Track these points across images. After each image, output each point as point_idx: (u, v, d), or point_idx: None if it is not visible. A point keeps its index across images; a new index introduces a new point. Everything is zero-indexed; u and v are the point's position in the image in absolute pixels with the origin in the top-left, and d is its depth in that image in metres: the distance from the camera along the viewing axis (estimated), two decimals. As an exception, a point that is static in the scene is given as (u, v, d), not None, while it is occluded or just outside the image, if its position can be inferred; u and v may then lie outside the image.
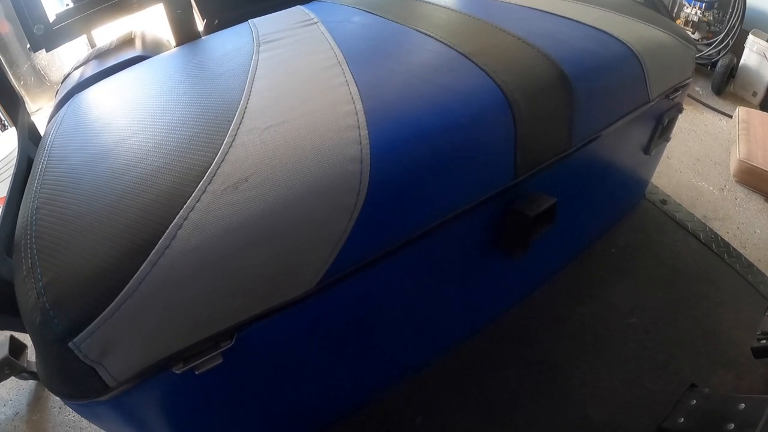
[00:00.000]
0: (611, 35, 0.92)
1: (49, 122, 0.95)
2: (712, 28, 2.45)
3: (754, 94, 2.46)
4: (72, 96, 0.95)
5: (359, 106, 0.67)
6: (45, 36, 0.94)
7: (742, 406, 0.77)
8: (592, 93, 0.86)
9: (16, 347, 1.37)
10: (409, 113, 0.69)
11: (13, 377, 1.34)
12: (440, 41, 0.81)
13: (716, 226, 1.75)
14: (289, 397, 0.78)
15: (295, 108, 0.68)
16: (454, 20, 0.90)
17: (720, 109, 2.38)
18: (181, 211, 0.58)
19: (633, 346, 1.07)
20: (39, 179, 0.71)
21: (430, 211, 0.72)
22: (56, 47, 0.99)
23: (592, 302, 1.14)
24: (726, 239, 1.46)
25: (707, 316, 1.12)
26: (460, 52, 0.78)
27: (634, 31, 0.97)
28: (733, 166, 2.01)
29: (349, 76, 0.73)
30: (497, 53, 0.79)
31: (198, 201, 0.59)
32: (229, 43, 0.91)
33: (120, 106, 0.83)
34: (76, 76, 1.07)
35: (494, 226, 0.84)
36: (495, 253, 0.87)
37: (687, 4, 2.48)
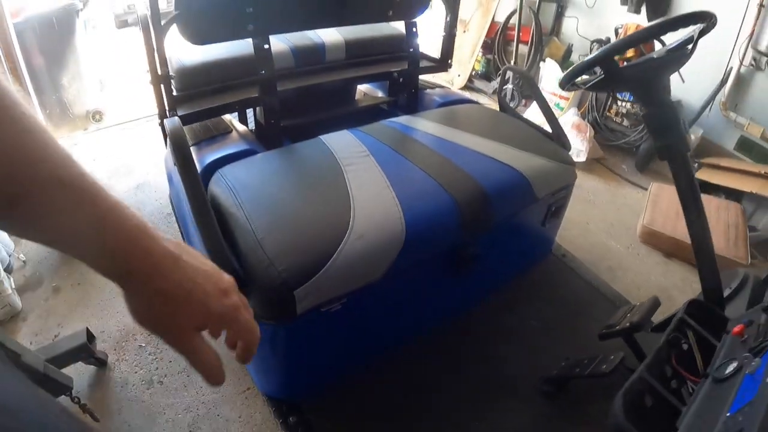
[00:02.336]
0: (511, 166, 1.49)
1: (209, 183, 1.40)
2: (638, 117, 3.00)
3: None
4: (215, 169, 1.38)
5: (397, 202, 1.27)
6: (181, 119, 1.38)
7: (586, 361, 1.38)
8: (499, 197, 1.42)
9: (91, 336, 1.66)
10: (418, 204, 1.29)
11: (80, 365, 1.65)
12: (422, 170, 1.42)
13: (619, 275, 2.26)
14: (367, 333, 1.38)
15: (374, 203, 1.26)
16: (430, 156, 1.50)
17: (639, 183, 2.91)
18: (345, 236, 1.14)
19: (533, 337, 1.66)
20: (240, 203, 1.22)
21: (429, 249, 1.31)
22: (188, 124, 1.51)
23: (512, 313, 1.72)
24: (616, 286, 2.02)
25: (581, 323, 1.69)
26: (431, 176, 1.39)
27: (527, 161, 1.52)
28: (638, 229, 2.52)
29: (390, 187, 1.33)
30: (449, 178, 1.39)
31: (348, 235, 1.15)
32: (322, 156, 1.44)
33: (275, 180, 1.36)
34: (195, 154, 1.48)
35: (454, 262, 1.42)
36: (452, 274, 1.46)
37: (620, 98, 3.05)
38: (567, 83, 1.13)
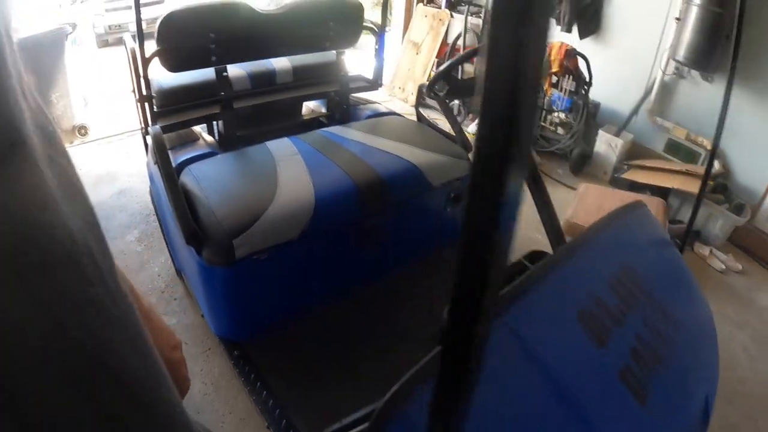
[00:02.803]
0: (407, 160, 1.80)
1: (179, 176, 1.74)
2: (571, 126, 3.22)
3: (605, 173, 3.21)
4: (185, 166, 1.74)
5: (312, 183, 1.61)
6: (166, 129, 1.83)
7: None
8: (393, 182, 1.72)
9: None
10: (327, 186, 1.62)
11: None
12: (337, 164, 1.73)
13: None
14: (293, 284, 1.68)
15: (295, 184, 1.61)
16: (344, 155, 1.81)
17: (572, 185, 3.11)
18: (270, 205, 1.50)
19: (436, 303, 1.81)
20: (202, 184, 1.58)
21: (334, 220, 1.62)
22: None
23: (423, 281, 1.92)
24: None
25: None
26: (341, 168, 1.71)
27: (422, 156, 1.83)
28: (562, 223, 2.69)
29: (309, 176, 1.66)
30: (354, 168, 1.70)
31: (272, 204, 1.51)
32: (263, 155, 1.81)
33: (227, 171, 1.75)
34: (170, 157, 1.90)
35: (357, 233, 1.73)
36: (358, 244, 1.76)
37: (554, 109, 3.29)
38: (427, 94, 1.42)
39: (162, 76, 2.00)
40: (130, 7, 1.82)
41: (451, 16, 3.82)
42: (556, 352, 0.78)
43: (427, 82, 1.42)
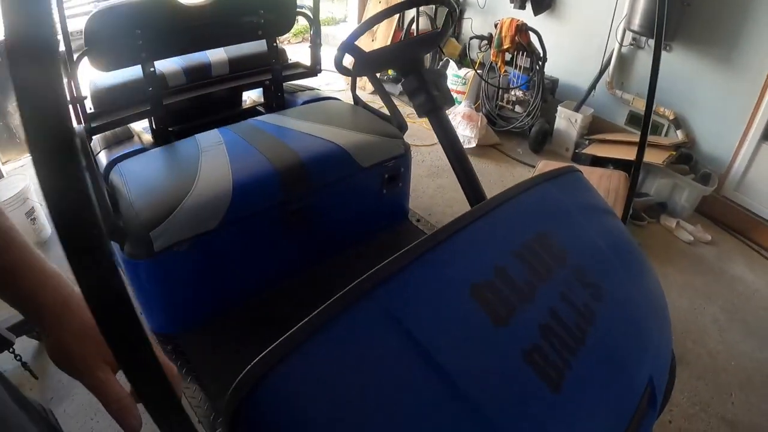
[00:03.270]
0: (333, 142, 1.76)
1: (109, 174, 1.72)
2: (529, 104, 3.09)
3: (567, 149, 3.10)
4: (116, 164, 1.73)
5: (231, 171, 1.58)
6: (91, 130, 1.74)
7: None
8: (316, 165, 1.70)
9: None
10: (246, 173, 1.59)
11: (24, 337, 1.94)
12: (259, 151, 1.69)
13: None
14: (220, 275, 1.64)
15: (214, 174, 1.58)
16: (269, 141, 1.77)
17: (531, 163, 2.99)
18: (187, 195, 1.48)
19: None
20: (126, 180, 1.58)
21: (255, 205, 1.59)
22: (96, 134, 1.82)
23: (361, 263, 1.87)
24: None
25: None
26: (263, 154, 1.67)
27: (350, 138, 1.80)
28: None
29: (229, 165, 1.61)
30: (277, 154, 1.68)
31: (189, 195, 1.49)
32: (190, 148, 1.76)
33: (153, 166, 1.72)
34: (103, 156, 1.84)
35: (283, 218, 1.70)
36: (285, 229, 1.72)
37: (511, 87, 3.17)
38: (337, 69, 1.31)
39: (98, 76, 1.94)
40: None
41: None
42: (439, 333, 0.68)
43: (334, 58, 1.31)
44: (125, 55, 1.74)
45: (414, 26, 3.60)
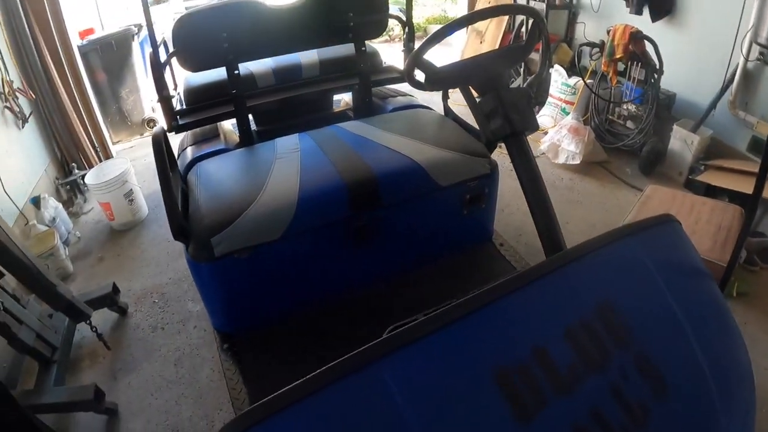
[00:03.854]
0: (410, 158, 1.69)
1: (188, 172, 1.85)
2: (641, 120, 2.94)
3: (680, 174, 2.90)
4: (196, 163, 1.84)
5: (299, 183, 1.59)
6: (177, 127, 1.91)
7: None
8: (389, 182, 1.64)
9: (116, 290, 2.23)
10: (313, 186, 1.58)
11: (105, 310, 2.23)
12: (332, 162, 1.68)
13: None
14: (280, 285, 1.65)
15: (282, 184, 1.59)
16: (343, 151, 1.76)
17: (639, 186, 2.84)
18: (251, 205, 1.50)
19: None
20: (199, 181, 1.68)
21: (319, 219, 1.58)
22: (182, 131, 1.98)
23: (431, 284, 1.83)
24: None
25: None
26: (335, 166, 1.66)
27: (429, 154, 1.71)
28: (617, 230, 2.51)
29: (299, 175, 1.63)
30: (349, 167, 1.65)
31: (253, 204, 1.51)
32: (266, 153, 1.81)
33: (228, 169, 1.81)
34: (190, 151, 1.99)
35: (350, 233, 1.67)
36: (350, 244, 1.69)
37: (623, 100, 3.01)
38: (409, 83, 1.24)
39: (191, 75, 2.06)
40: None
41: (515, 2, 3.59)
42: (439, 421, 0.60)
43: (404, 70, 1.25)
44: (211, 56, 1.82)
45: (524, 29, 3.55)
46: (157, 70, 1.81)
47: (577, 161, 2.96)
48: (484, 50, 3.81)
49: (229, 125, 2.22)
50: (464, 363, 0.64)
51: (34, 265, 1.74)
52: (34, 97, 3.06)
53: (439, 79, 1.20)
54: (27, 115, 2.99)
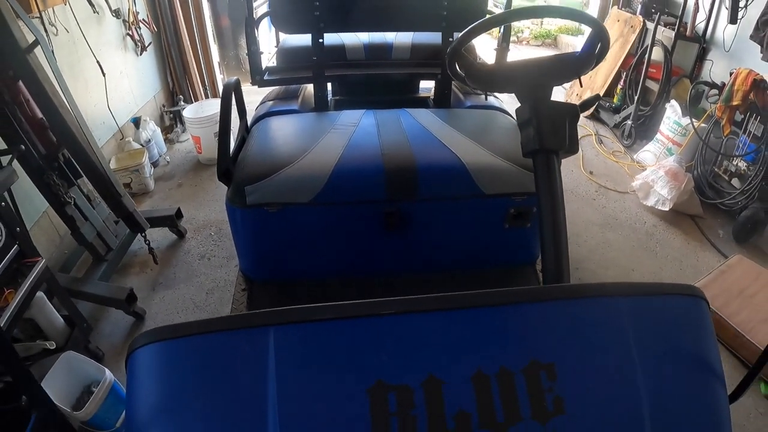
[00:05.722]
0: (456, 155, 1.63)
1: (255, 121, 1.95)
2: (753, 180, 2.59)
3: (779, 251, 2.56)
4: (265, 117, 1.92)
5: (341, 155, 1.59)
6: (260, 81, 2.04)
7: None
8: (428, 174, 1.60)
9: (179, 214, 2.52)
10: (352, 162, 1.59)
11: (166, 229, 2.52)
12: (380, 144, 1.66)
13: None
14: (305, 245, 1.70)
15: (326, 153, 1.61)
16: (396, 136, 1.72)
17: (725, 252, 2.54)
18: (288, 166, 1.54)
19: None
20: (257, 134, 1.78)
21: (351, 195, 1.59)
22: (265, 86, 2.07)
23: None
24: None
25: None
26: (381, 148, 1.64)
27: (478, 156, 1.64)
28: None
29: (344, 148, 1.64)
30: (395, 152, 1.63)
31: (291, 166, 1.55)
32: (326, 122, 1.84)
33: (287, 128, 1.88)
34: (267, 105, 2.07)
35: (381, 216, 1.65)
36: (378, 227, 1.68)
37: (735, 155, 2.69)
38: (451, 74, 1.23)
39: (289, 37, 2.20)
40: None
41: (644, 24, 3.31)
42: (294, 402, 0.60)
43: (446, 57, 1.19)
44: (300, 22, 1.88)
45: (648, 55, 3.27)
46: (249, 26, 1.93)
47: (666, 208, 2.71)
48: (603, 69, 3.63)
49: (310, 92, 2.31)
50: (352, 362, 0.62)
51: (106, 174, 1.94)
52: (156, 30, 3.35)
53: (478, 78, 1.16)
54: (146, 45, 3.28)
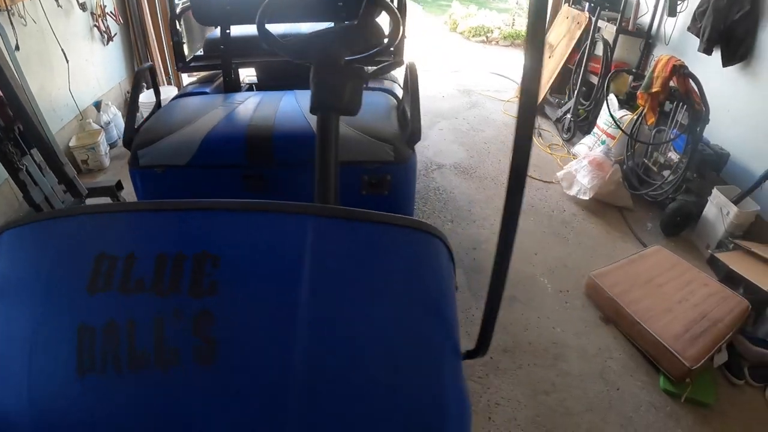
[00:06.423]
0: (309, 123, 1.75)
1: (174, 99, 2.10)
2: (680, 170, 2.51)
3: (707, 247, 2.45)
4: (177, 98, 2.10)
5: (215, 126, 1.75)
6: (182, 67, 2.22)
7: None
8: (283, 142, 1.72)
9: (120, 186, 2.64)
10: (221, 131, 1.74)
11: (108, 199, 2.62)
12: (252, 117, 1.82)
13: (519, 308, 2.08)
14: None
15: (204, 124, 1.75)
16: (267, 110, 1.85)
17: (649, 244, 2.44)
18: (170, 135, 1.70)
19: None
20: (164, 109, 1.93)
21: (218, 160, 1.72)
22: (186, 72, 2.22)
23: None
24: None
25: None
26: (251, 121, 1.79)
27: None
28: (586, 279, 2.20)
29: (219, 120, 1.80)
30: (261, 123, 1.76)
31: (176, 132, 1.72)
32: (221, 100, 1.98)
33: (188, 105, 1.99)
34: (187, 88, 2.26)
35: (244, 180, 1.79)
36: (246, 190, 1.81)
37: (664, 143, 2.62)
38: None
39: (214, 29, 2.38)
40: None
41: (590, 20, 3.21)
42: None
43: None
44: (214, 15, 2.09)
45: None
46: (172, 18, 2.18)
47: (587, 197, 2.64)
48: (552, 65, 3.58)
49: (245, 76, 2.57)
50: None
51: (51, 145, 2.21)
52: (122, 21, 3.62)
53: (283, 48, 1.32)
54: (113, 35, 3.56)
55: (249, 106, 1.95)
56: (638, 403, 1.76)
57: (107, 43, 3.54)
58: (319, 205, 0.85)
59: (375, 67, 1.85)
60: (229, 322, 0.67)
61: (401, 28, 1.30)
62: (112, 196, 2.59)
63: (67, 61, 3.02)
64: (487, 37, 6.18)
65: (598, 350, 1.93)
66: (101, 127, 3.29)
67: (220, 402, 0.65)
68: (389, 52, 2.10)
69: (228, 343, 0.66)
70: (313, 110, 1.16)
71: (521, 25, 6.16)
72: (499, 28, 6.21)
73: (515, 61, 5.32)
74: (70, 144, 3.06)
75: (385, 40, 1.32)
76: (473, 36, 6.28)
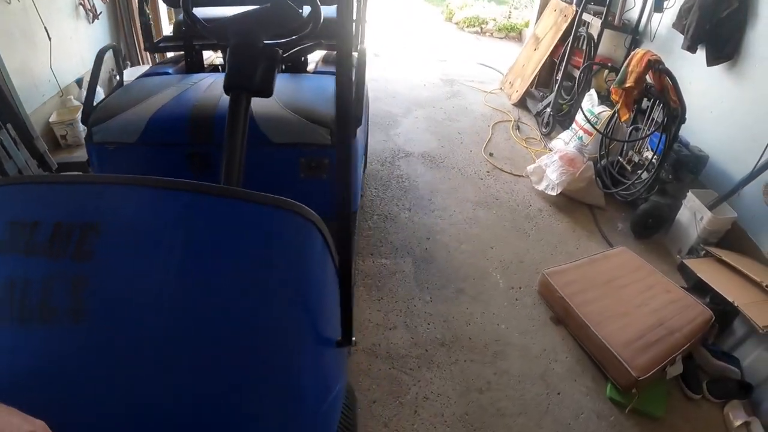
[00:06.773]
0: (252, 109, 1.67)
1: (139, 78, 2.10)
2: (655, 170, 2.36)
3: (679, 252, 2.30)
4: (140, 77, 2.09)
5: (164, 105, 1.76)
6: (149, 48, 2.21)
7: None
8: (222, 122, 1.64)
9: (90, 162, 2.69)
10: (168, 110, 1.75)
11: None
12: (201, 97, 1.82)
13: (466, 301, 1.94)
14: None
15: (155, 103, 1.76)
16: (219, 89, 1.82)
17: (617, 245, 2.30)
18: (125, 111, 1.72)
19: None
20: (123, 89, 1.92)
21: (164, 140, 1.74)
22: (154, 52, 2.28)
23: None
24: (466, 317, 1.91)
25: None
26: (198, 101, 1.82)
27: (269, 109, 1.77)
28: (539, 276, 2.05)
29: (170, 99, 1.81)
30: (206, 103, 1.78)
31: (128, 110, 1.73)
32: (178, 80, 1.98)
33: (147, 85, 1.96)
34: (153, 69, 2.25)
35: (187, 158, 1.80)
36: (189, 169, 1.82)
37: (631, 140, 2.49)
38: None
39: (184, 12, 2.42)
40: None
41: (577, 13, 3.09)
42: None
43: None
44: None
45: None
46: (141, 5, 2.24)
47: (555, 192, 2.51)
48: (536, 57, 3.45)
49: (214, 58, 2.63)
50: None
51: (23, 120, 2.35)
52: (108, 1, 3.66)
53: (203, 30, 1.37)
54: (98, 14, 3.56)
55: (201, 86, 1.97)
56: (579, 409, 1.63)
57: (92, 21, 3.54)
58: (196, 182, 0.89)
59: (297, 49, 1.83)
60: (101, 286, 0.76)
61: (320, 12, 1.37)
62: (84, 171, 2.59)
63: (50, 39, 3.02)
64: (481, 28, 6.05)
65: (543, 351, 1.79)
66: (81, 103, 3.27)
67: (87, 357, 0.74)
68: (317, 36, 2.07)
69: (96, 305, 0.75)
70: (225, 90, 1.19)
71: (518, 17, 6.03)
72: (494, 20, 6.06)
73: (507, 53, 5.13)
74: (50, 120, 3.07)
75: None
76: (468, 26, 6.16)
